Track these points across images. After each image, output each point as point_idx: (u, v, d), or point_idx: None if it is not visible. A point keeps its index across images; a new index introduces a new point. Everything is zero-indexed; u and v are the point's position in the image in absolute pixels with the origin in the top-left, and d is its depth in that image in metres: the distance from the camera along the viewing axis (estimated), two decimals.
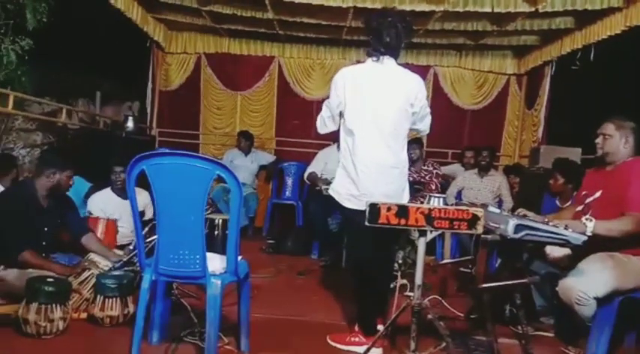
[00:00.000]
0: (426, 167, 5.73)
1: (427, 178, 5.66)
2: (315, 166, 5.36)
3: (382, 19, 2.79)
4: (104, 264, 3.17)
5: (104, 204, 4.03)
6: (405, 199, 2.89)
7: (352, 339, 2.86)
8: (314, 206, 5.18)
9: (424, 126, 2.98)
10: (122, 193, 3.97)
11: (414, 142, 5.84)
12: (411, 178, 5.58)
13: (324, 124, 2.89)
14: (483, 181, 5.57)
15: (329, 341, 2.90)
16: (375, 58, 2.80)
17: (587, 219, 2.69)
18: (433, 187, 5.53)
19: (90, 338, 2.77)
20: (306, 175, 5.42)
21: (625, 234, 2.65)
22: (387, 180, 2.80)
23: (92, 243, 3.35)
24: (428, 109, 2.94)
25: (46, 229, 3.21)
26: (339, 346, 2.87)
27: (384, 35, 2.75)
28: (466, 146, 6.33)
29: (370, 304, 2.91)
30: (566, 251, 2.86)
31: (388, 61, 2.81)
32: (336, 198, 2.88)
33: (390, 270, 3.13)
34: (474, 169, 5.71)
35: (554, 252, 2.93)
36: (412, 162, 5.74)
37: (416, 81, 2.86)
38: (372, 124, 2.76)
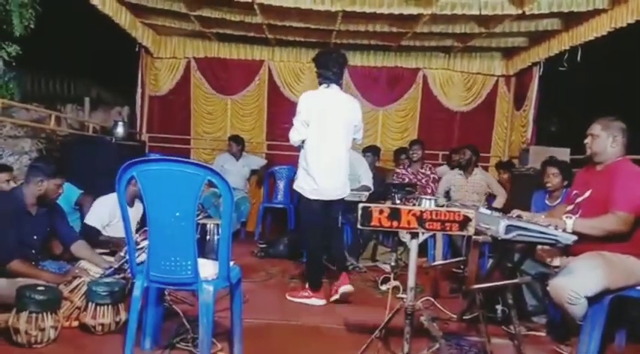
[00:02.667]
0: (423, 170, 5.75)
1: (423, 181, 5.68)
2: None
3: (328, 56, 3.78)
4: (95, 271, 3.15)
5: (114, 209, 3.95)
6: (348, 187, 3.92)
7: (302, 293, 3.78)
8: None
9: (359, 135, 3.95)
10: (130, 200, 3.91)
11: (417, 142, 5.85)
12: (407, 179, 5.61)
13: (298, 133, 3.74)
14: (469, 182, 5.58)
15: (287, 297, 3.78)
16: (326, 85, 3.76)
17: (567, 217, 2.73)
18: (429, 191, 5.55)
19: (82, 346, 2.74)
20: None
21: (608, 233, 2.68)
22: (342, 171, 3.79)
23: (82, 250, 3.31)
24: (362, 124, 3.93)
25: (35, 237, 3.17)
26: (293, 299, 3.75)
27: (330, 67, 3.72)
28: (453, 148, 6.35)
29: (318, 267, 3.85)
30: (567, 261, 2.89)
31: (335, 88, 3.77)
32: (302, 192, 3.78)
33: (340, 238, 4.17)
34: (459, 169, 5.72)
35: (555, 262, 2.96)
36: (412, 162, 5.80)
37: (356, 103, 3.93)
38: (331, 132, 3.70)
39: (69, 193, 4.13)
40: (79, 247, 3.31)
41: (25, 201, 3.11)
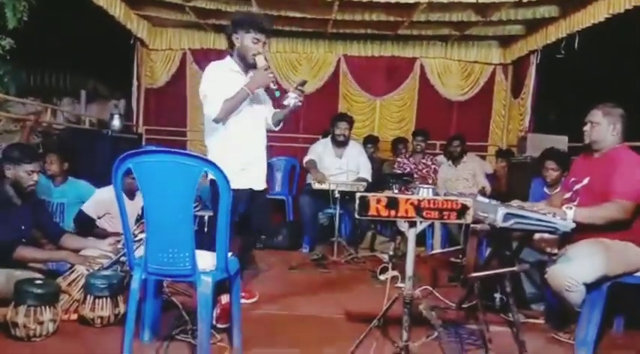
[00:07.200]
0: (425, 161, 5.75)
1: (424, 171, 5.68)
2: (314, 156, 5.30)
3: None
4: (99, 253, 3.15)
5: (111, 202, 3.94)
6: None
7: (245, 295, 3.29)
8: (304, 201, 5.18)
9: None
10: (130, 193, 3.89)
11: (422, 134, 5.83)
12: (408, 169, 5.61)
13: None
14: (457, 170, 5.65)
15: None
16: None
17: (567, 207, 2.72)
18: (430, 182, 5.55)
19: (81, 339, 2.74)
20: (305, 159, 5.34)
21: (608, 221, 2.67)
22: None
23: (72, 241, 3.28)
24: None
25: (23, 227, 3.11)
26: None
27: None
28: (451, 137, 6.34)
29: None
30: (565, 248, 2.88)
31: None
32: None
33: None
34: (449, 159, 5.77)
35: (554, 250, 2.96)
36: (415, 152, 5.81)
37: None
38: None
39: (86, 191, 4.20)
40: (67, 240, 3.28)
41: (7, 191, 3.04)
